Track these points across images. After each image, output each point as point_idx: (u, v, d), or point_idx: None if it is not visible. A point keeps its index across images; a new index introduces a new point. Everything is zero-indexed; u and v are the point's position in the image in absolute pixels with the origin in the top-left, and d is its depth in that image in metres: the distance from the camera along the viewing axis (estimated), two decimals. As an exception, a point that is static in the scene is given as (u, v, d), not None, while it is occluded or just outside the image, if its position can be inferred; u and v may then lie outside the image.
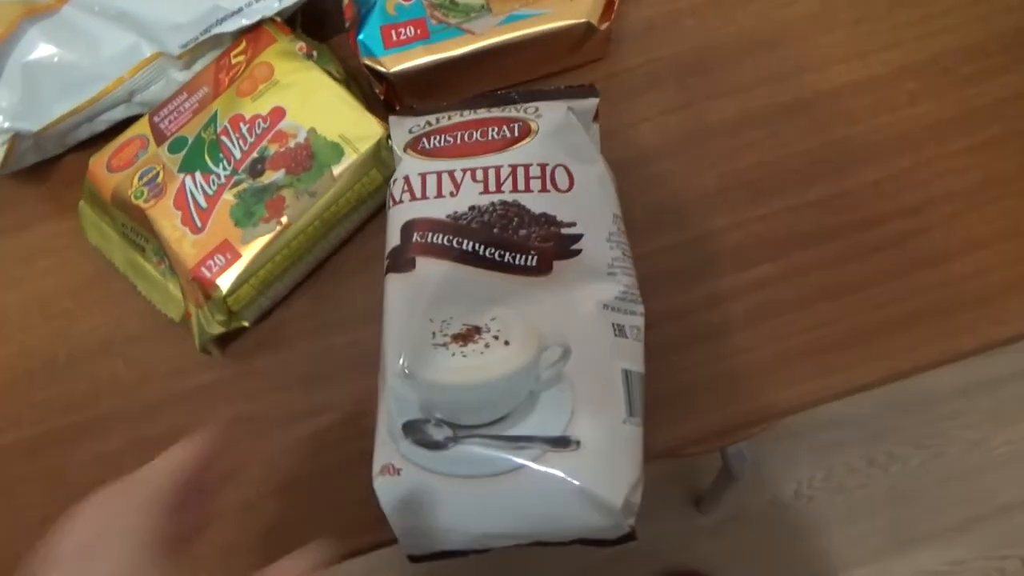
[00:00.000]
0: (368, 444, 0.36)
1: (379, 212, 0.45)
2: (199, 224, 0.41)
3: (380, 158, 0.42)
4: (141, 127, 0.44)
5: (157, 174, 0.42)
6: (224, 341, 0.44)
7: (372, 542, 0.40)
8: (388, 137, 0.42)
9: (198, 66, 0.47)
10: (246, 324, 0.43)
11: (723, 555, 1.05)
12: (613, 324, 0.36)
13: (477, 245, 0.36)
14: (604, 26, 0.44)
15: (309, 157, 0.41)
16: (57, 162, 0.49)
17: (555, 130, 0.39)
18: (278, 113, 0.42)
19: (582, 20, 0.43)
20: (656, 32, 0.48)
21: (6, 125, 0.44)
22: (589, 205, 0.38)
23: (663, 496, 1.08)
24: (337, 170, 0.41)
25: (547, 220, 0.37)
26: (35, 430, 0.44)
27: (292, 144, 0.42)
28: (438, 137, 0.40)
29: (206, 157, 0.42)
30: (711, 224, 0.44)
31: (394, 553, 0.37)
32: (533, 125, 0.39)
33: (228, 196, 0.41)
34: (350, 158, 0.41)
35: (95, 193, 0.44)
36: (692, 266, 0.43)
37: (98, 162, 0.44)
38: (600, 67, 0.48)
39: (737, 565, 1.04)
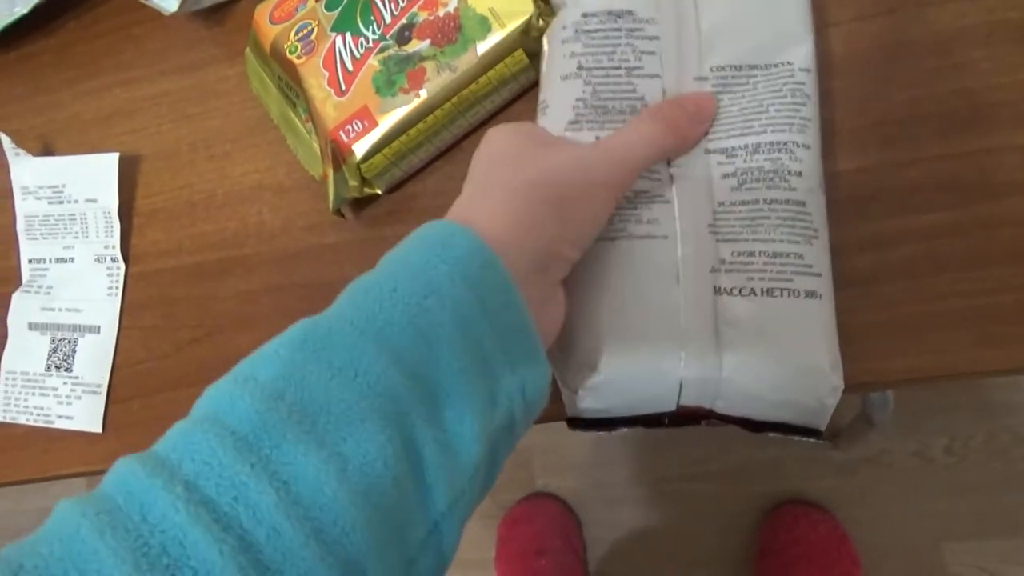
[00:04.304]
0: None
1: (523, 94, 0.43)
2: (343, 87, 0.41)
3: (529, 38, 0.40)
4: (304, -21, 0.44)
5: (312, 30, 0.43)
6: (357, 205, 0.45)
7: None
8: (540, 16, 0.39)
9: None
10: (379, 192, 0.43)
11: (849, 495, 1.00)
12: None
13: None
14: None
15: (456, 29, 0.40)
16: (233, 6, 0.51)
17: None
18: (434, -23, 0.41)
19: None
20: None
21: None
22: None
23: (797, 422, 1.03)
24: (481, 47, 0.40)
25: None
26: (192, 259, 0.48)
27: (441, 13, 0.40)
28: None
29: (358, 18, 0.42)
30: (888, 156, 0.38)
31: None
32: None
33: (373, 61, 0.41)
34: (496, 35, 0.39)
35: (258, 43, 0.45)
36: (853, 202, 0.38)
37: (262, 12, 0.45)
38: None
39: (860, 508, 1.00)
